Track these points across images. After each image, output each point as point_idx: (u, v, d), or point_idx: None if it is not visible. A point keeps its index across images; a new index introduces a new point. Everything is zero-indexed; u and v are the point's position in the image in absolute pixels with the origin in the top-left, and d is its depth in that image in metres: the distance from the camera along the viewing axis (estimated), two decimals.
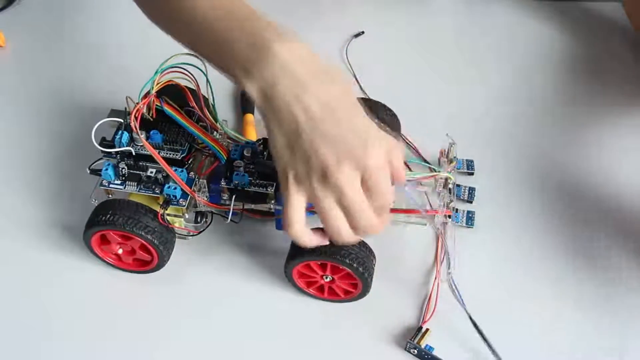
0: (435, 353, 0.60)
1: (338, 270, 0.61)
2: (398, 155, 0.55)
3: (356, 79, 0.83)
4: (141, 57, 0.74)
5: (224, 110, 0.80)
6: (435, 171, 0.67)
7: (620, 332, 0.63)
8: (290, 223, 0.55)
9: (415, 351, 0.61)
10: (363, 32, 0.90)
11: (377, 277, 0.63)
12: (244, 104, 0.80)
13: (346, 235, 0.55)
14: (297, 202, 0.54)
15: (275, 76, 0.52)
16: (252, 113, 0.79)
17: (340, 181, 0.52)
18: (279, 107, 0.52)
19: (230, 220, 0.64)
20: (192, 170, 0.64)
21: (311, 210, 0.65)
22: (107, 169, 0.63)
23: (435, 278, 0.66)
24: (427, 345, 0.61)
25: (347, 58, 0.86)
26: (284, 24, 0.53)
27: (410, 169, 0.69)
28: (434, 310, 0.63)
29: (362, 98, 0.72)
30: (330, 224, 0.54)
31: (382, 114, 0.70)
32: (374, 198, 0.54)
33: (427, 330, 0.62)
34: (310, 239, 0.56)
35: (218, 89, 0.65)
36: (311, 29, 0.89)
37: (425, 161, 0.74)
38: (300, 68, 0.52)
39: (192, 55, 0.61)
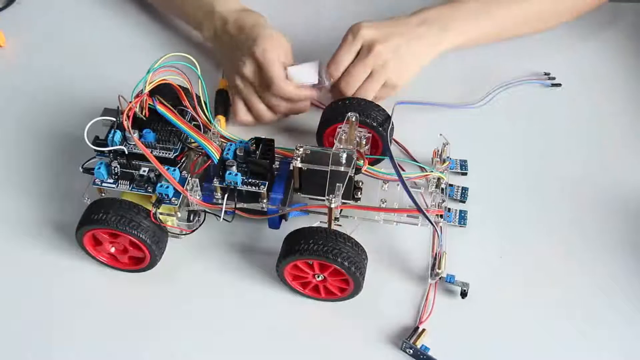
0: (430, 353, 0.60)
1: (326, 267, 0.60)
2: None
3: None
4: (140, 57, 0.74)
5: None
6: (428, 171, 0.66)
7: (617, 332, 0.63)
8: (236, 113, 0.76)
9: (411, 351, 0.61)
10: None
11: (373, 277, 0.63)
12: None
13: (262, 113, 0.75)
14: (237, 99, 0.76)
15: (217, 26, 0.79)
16: None
17: (240, 69, 0.73)
18: (222, 43, 0.79)
19: (223, 219, 0.64)
20: (184, 169, 0.64)
21: (305, 209, 0.65)
22: (99, 168, 0.63)
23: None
24: (422, 345, 0.61)
25: None
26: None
27: (403, 170, 0.69)
28: (430, 311, 0.63)
29: (357, 98, 0.72)
30: (249, 105, 0.75)
31: (374, 113, 0.70)
32: (267, 82, 0.72)
33: (423, 330, 0.62)
34: (246, 119, 0.76)
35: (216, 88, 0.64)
36: (311, 29, 0.90)
37: (417, 162, 0.74)
38: (229, 15, 0.78)
39: (184, 55, 0.61)
